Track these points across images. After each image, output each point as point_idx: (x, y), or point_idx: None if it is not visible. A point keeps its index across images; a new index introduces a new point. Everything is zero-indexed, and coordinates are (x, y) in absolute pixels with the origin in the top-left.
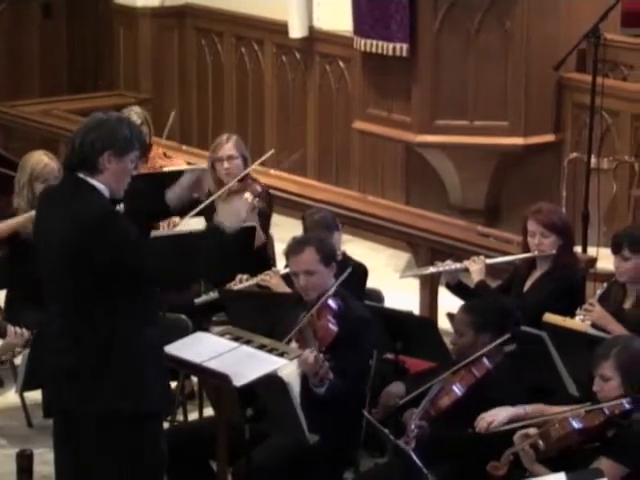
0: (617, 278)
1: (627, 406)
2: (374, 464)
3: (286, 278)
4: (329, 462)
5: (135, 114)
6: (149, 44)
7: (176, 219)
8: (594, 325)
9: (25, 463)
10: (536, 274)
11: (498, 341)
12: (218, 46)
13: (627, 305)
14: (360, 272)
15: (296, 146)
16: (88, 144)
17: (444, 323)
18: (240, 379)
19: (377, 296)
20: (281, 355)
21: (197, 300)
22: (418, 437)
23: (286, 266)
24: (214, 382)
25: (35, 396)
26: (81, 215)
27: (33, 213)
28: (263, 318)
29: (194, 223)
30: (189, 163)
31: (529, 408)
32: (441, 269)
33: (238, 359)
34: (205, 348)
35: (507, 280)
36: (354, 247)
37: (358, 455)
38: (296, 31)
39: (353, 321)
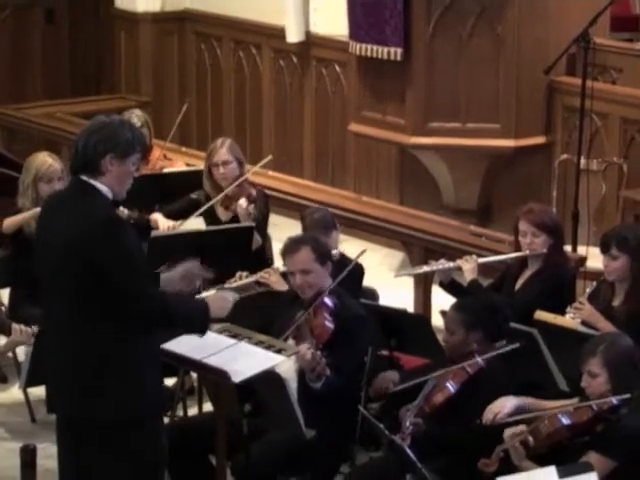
0: (606, 277)
1: (615, 402)
2: (369, 458)
3: (285, 275)
4: (326, 456)
5: (136, 117)
6: (150, 48)
7: (176, 223)
8: (584, 323)
9: (29, 457)
10: (527, 273)
11: (507, 348)
12: (217, 50)
13: (616, 303)
14: (357, 271)
15: (294, 147)
16: (91, 147)
17: (437, 320)
18: (238, 375)
19: (372, 294)
20: (278, 352)
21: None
22: (413, 433)
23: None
24: (213, 378)
25: (38, 392)
26: (84, 220)
27: (38, 210)
28: (260, 315)
29: (194, 224)
30: (188, 164)
31: (528, 401)
32: (434, 268)
33: (236, 356)
34: (204, 345)
35: (499, 279)
36: (349, 246)
37: (354, 449)
38: (293, 36)
39: (349, 319)
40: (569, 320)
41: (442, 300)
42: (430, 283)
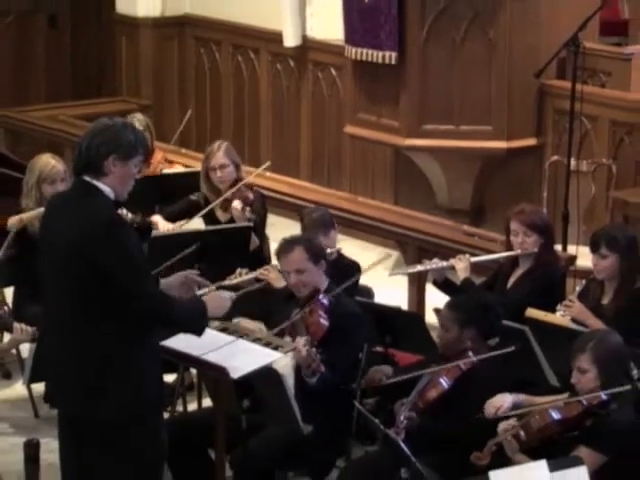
0: (595, 275)
1: (604, 397)
2: (365, 452)
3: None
4: (322, 451)
5: (137, 121)
6: (150, 53)
7: (175, 225)
8: (574, 320)
9: (32, 452)
10: (519, 271)
11: (501, 351)
12: (216, 54)
13: (605, 301)
14: (353, 270)
15: (291, 149)
16: (94, 148)
17: (431, 318)
18: (237, 371)
19: (367, 292)
20: (276, 348)
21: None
22: (407, 428)
23: None
24: (212, 374)
25: (41, 388)
26: (87, 222)
27: (42, 210)
28: (258, 312)
29: (193, 224)
30: (186, 166)
31: (521, 397)
32: (428, 267)
33: (235, 352)
34: (203, 342)
35: (491, 277)
36: (345, 246)
37: (350, 444)
38: (290, 40)
39: (344, 316)
40: (559, 317)
41: (436, 298)
42: (424, 282)
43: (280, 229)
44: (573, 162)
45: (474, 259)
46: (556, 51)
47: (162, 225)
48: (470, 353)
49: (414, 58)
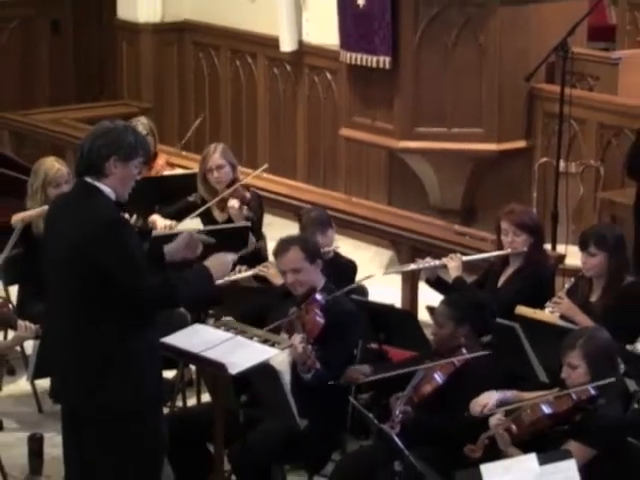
0: (584, 273)
1: (593, 392)
2: (359, 446)
3: None
4: (318, 444)
5: (141, 125)
6: (150, 57)
7: (173, 222)
8: (562, 317)
9: (36, 446)
10: (509, 270)
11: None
12: (214, 59)
13: (593, 298)
14: (349, 268)
15: (287, 151)
16: (95, 150)
17: (424, 316)
18: (235, 367)
19: (362, 290)
20: (273, 345)
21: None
22: (402, 422)
23: None
24: (211, 370)
25: (45, 384)
26: (88, 223)
27: (45, 208)
28: (255, 310)
29: (192, 224)
30: (186, 168)
31: (509, 394)
32: (421, 266)
33: (233, 349)
34: (202, 339)
35: (482, 275)
36: (341, 245)
37: (345, 438)
38: (287, 45)
39: (340, 314)
40: (548, 314)
41: (428, 296)
42: (417, 280)
43: (277, 229)
44: (562, 164)
45: (466, 258)
46: (545, 56)
47: (160, 222)
48: (464, 350)
49: (407, 63)
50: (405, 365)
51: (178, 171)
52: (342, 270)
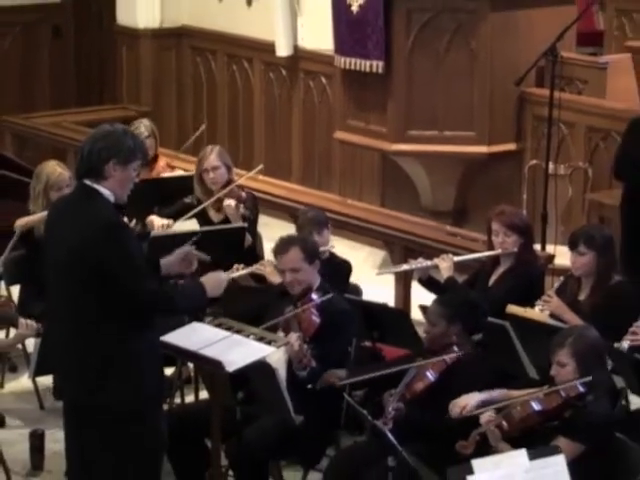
0: (573, 272)
1: (581, 389)
2: (354, 442)
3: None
4: (313, 440)
5: (143, 127)
6: (149, 62)
7: (170, 221)
8: (552, 315)
9: (37, 441)
10: (500, 270)
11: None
12: (212, 64)
13: (582, 297)
14: (344, 268)
15: (283, 153)
16: (95, 153)
17: (416, 314)
18: (232, 365)
19: (356, 290)
20: (269, 343)
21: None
22: (395, 418)
23: None
24: (209, 368)
25: (46, 381)
26: (88, 227)
27: (41, 214)
28: (252, 309)
29: (188, 225)
30: (185, 170)
31: (495, 393)
32: (414, 266)
33: (230, 347)
34: (200, 337)
35: (473, 275)
36: (335, 245)
37: (339, 434)
38: (282, 50)
39: (335, 313)
40: (538, 313)
41: (421, 296)
42: (410, 280)
43: (273, 229)
44: (551, 166)
45: (457, 258)
46: (535, 60)
47: (157, 222)
48: (455, 348)
49: (400, 67)
50: (397, 363)
51: (178, 172)
52: (337, 270)
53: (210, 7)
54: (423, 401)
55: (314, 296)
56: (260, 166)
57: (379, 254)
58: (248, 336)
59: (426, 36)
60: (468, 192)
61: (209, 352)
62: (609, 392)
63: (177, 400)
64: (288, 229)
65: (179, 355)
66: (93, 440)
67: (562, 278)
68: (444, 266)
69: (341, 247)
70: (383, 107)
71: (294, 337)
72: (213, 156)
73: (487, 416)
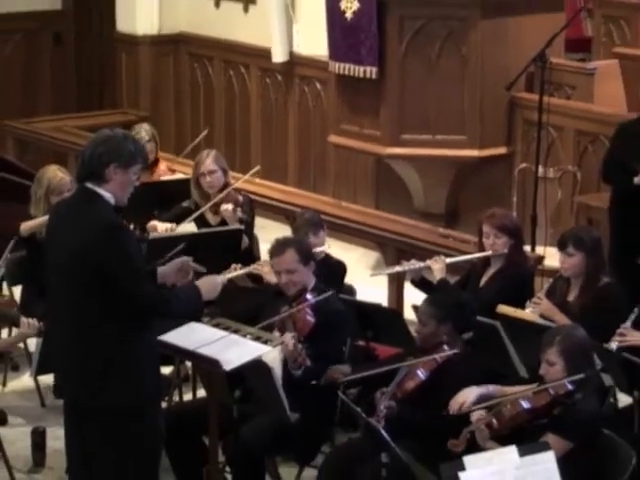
0: (562, 273)
1: (570, 387)
2: (348, 439)
3: None
4: (308, 437)
5: (144, 131)
6: (148, 68)
7: (173, 225)
8: (542, 316)
9: (39, 439)
10: (490, 271)
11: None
12: (209, 69)
13: (571, 298)
14: (339, 269)
15: (279, 157)
16: (96, 157)
17: (409, 314)
18: (229, 364)
19: (350, 290)
20: (265, 343)
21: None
22: (387, 416)
23: None
24: (206, 367)
25: (47, 379)
26: (89, 230)
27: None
28: (250, 309)
29: (187, 228)
30: (185, 173)
31: (491, 388)
32: (406, 268)
33: (227, 346)
34: (198, 336)
35: (464, 276)
36: (331, 246)
37: (334, 431)
38: (278, 56)
39: (329, 313)
40: (528, 313)
41: (413, 296)
42: (402, 281)
43: (270, 231)
44: (541, 169)
45: (449, 260)
46: (525, 66)
47: (160, 226)
48: (445, 346)
49: (393, 73)
50: (390, 362)
51: (178, 176)
52: (332, 270)
53: (207, 14)
54: (414, 399)
55: (309, 296)
56: (257, 167)
57: (373, 255)
58: (245, 336)
59: (418, 42)
60: (460, 195)
61: (206, 351)
62: (597, 390)
63: (175, 398)
64: (284, 231)
65: (177, 354)
66: (93, 437)
67: (551, 279)
68: (436, 267)
69: (335, 248)
70: (376, 112)
71: (288, 336)
72: (209, 160)
73: (478, 414)
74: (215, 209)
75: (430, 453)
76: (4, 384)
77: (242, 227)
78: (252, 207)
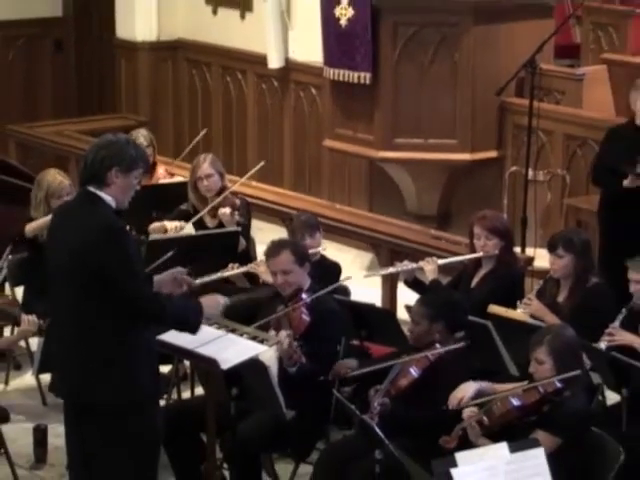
0: (552, 274)
1: (558, 385)
2: (342, 436)
3: None
4: (303, 434)
5: (142, 136)
6: (147, 73)
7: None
8: (532, 316)
9: (40, 436)
10: (482, 272)
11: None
12: (207, 75)
13: (560, 298)
14: (334, 270)
15: (275, 160)
16: (98, 161)
17: (402, 314)
18: (226, 363)
19: (344, 291)
20: (261, 342)
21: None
22: (380, 413)
23: None
24: (204, 366)
25: (49, 378)
26: (90, 232)
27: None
28: (246, 308)
29: (185, 230)
30: (184, 177)
31: (483, 384)
32: (399, 269)
33: (225, 345)
34: (196, 336)
35: (456, 277)
36: (326, 247)
37: (329, 428)
38: (274, 62)
39: (324, 313)
40: (519, 313)
41: (406, 296)
42: (396, 281)
43: (266, 233)
44: (531, 172)
45: (441, 261)
46: (515, 72)
47: (169, 225)
48: (438, 345)
49: (387, 78)
50: (385, 360)
51: (176, 179)
52: (328, 271)
53: (205, 21)
54: (408, 397)
55: (304, 296)
56: (261, 163)
57: (366, 256)
58: (241, 335)
59: (411, 49)
60: (452, 197)
61: (204, 351)
62: (586, 388)
63: (174, 396)
64: (280, 233)
65: (176, 353)
66: (93, 435)
67: (541, 281)
68: (429, 268)
69: (330, 250)
70: (370, 116)
71: (284, 335)
72: (206, 164)
73: (469, 411)
74: (213, 212)
75: (423, 450)
76: (7, 383)
77: (239, 229)
78: (249, 210)
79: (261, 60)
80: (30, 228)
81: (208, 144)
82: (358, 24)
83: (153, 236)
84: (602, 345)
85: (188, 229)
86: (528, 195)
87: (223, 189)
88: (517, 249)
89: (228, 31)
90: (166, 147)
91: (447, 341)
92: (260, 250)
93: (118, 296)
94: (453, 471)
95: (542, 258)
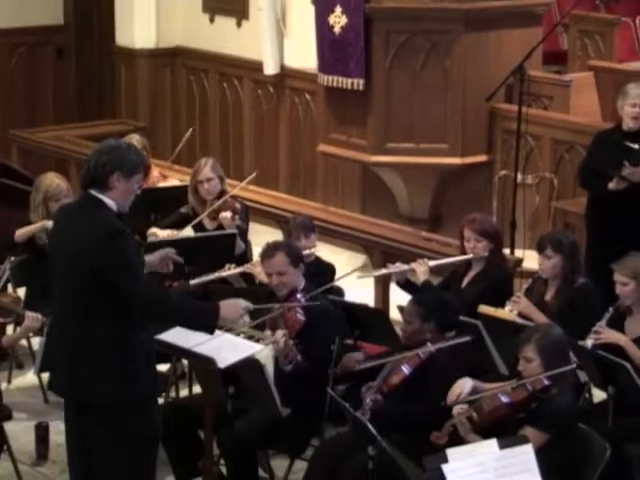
0: (540, 274)
1: (546, 382)
2: (337, 433)
3: None
4: (299, 431)
5: (136, 141)
6: (146, 80)
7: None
8: (520, 315)
9: (42, 433)
10: (472, 273)
11: (457, 340)
12: (204, 81)
13: (548, 297)
14: (329, 271)
15: (270, 165)
16: (101, 165)
17: (395, 314)
18: (223, 361)
19: (338, 291)
20: (258, 341)
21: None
22: (373, 409)
23: None
24: (202, 364)
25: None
26: (91, 234)
27: (45, 222)
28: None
29: (185, 232)
30: (180, 180)
31: (476, 383)
32: (392, 270)
33: (222, 345)
34: (194, 335)
35: (447, 278)
36: (320, 249)
37: (323, 425)
38: (270, 69)
39: (318, 313)
40: (508, 313)
41: (399, 297)
42: (388, 282)
43: (262, 235)
44: (519, 176)
45: (432, 263)
46: (504, 78)
47: (161, 233)
48: (429, 344)
49: (379, 85)
50: (380, 358)
51: (172, 182)
52: (322, 272)
53: (202, 29)
54: (399, 394)
55: (299, 296)
56: (254, 173)
57: (359, 258)
58: (238, 335)
59: (403, 56)
60: (443, 200)
61: (202, 350)
62: (573, 386)
63: (172, 394)
64: (275, 235)
65: (174, 352)
66: (92, 433)
67: (530, 280)
68: (420, 270)
69: (323, 251)
70: (363, 121)
71: (280, 334)
72: (207, 168)
73: (459, 408)
74: (212, 215)
75: (414, 445)
76: (9, 381)
77: (236, 232)
78: (247, 213)
79: (257, 67)
80: (19, 234)
81: (205, 149)
82: (351, 32)
83: (151, 238)
84: (588, 343)
85: (187, 231)
86: (517, 198)
87: (222, 193)
88: (506, 251)
89: (225, 38)
90: (164, 151)
91: (438, 340)
92: (256, 252)
93: (118, 297)
94: (444, 466)
95: (531, 259)
